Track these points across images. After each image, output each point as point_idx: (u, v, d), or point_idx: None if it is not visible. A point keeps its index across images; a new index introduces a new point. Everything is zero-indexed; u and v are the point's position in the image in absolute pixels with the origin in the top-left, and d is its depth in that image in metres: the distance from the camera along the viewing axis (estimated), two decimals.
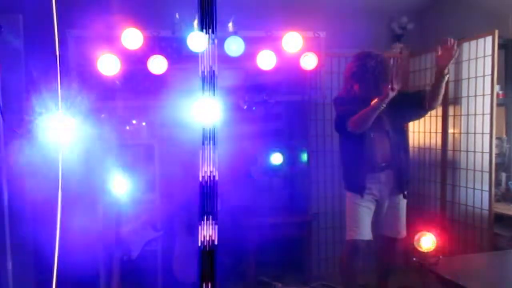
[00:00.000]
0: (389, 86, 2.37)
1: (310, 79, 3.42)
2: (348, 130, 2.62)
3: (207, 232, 1.50)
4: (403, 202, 2.78)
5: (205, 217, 1.51)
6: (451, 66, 3.15)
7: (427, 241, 2.10)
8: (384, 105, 2.45)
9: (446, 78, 2.56)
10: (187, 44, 2.89)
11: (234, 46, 2.96)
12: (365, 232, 2.65)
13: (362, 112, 2.53)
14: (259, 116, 3.59)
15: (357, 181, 2.68)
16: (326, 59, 3.40)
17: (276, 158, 3.53)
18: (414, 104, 2.69)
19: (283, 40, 3.08)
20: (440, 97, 2.63)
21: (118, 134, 3.18)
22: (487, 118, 2.85)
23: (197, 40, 2.88)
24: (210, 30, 1.58)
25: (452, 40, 2.51)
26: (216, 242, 1.52)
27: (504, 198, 3.05)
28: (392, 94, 2.39)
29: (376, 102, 2.45)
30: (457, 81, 3.14)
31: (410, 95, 2.74)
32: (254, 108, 3.31)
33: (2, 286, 2.02)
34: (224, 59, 3.07)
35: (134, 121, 3.20)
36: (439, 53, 2.54)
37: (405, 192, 2.75)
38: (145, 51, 3.00)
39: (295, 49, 3.09)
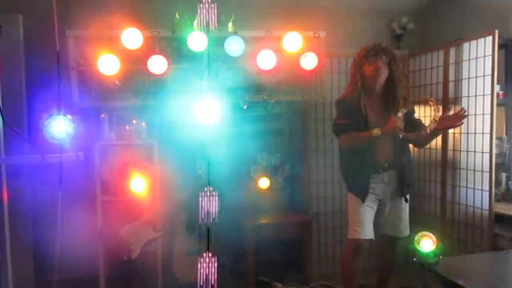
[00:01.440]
0: (398, 124, 2.46)
1: (310, 79, 3.42)
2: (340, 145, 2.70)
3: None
4: (405, 205, 2.77)
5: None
6: (451, 66, 3.17)
7: (427, 242, 2.10)
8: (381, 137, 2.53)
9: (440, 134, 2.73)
10: (187, 44, 2.89)
11: (234, 46, 2.96)
12: (368, 232, 2.64)
13: (357, 137, 2.58)
14: (259, 116, 3.60)
15: (360, 184, 2.68)
16: (326, 59, 3.40)
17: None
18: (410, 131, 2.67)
19: (283, 40, 3.08)
20: (427, 145, 2.88)
21: (118, 134, 3.18)
22: (487, 118, 2.85)
23: (197, 40, 2.89)
24: (210, 30, 1.58)
25: (464, 110, 2.56)
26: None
27: (504, 198, 3.05)
28: (394, 131, 2.48)
29: (375, 133, 2.50)
30: (457, 81, 3.14)
31: (412, 122, 2.71)
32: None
33: (2, 286, 2.02)
34: (224, 59, 3.08)
35: (134, 121, 3.20)
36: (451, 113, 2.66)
37: (407, 196, 2.75)
38: (145, 51, 3.00)
39: (295, 49, 3.09)
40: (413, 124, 2.68)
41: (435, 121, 2.55)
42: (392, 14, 3.96)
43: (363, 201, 2.64)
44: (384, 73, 2.58)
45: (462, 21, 3.60)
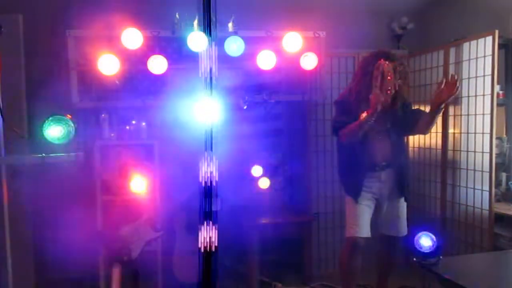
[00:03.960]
0: (378, 98, 2.39)
1: (310, 79, 3.42)
2: (340, 141, 2.69)
3: (208, 234, 1.50)
4: (403, 205, 2.77)
5: (205, 220, 1.51)
6: (451, 66, 3.16)
7: (427, 241, 2.10)
8: (373, 120, 2.47)
9: (441, 111, 2.55)
10: (187, 44, 2.89)
11: (234, 46, 2.96)
12: (365, 230, 2.65)
13: (351, 126, 2.57)
14: (259, 116, 3.60)
15: (353, 183, 2.69)
16: (326, 59, 3.40)
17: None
18: (410, 122, 2.68)
19: (283, 40, 3.08)
20: (431, 127, 2.64)
21: (118, 134, 3.18)
22: (487, 118, 2.85)
23: (197, 40, 2.89)
24: (210, 30, 1.58)
25: (456, 76, 2.47)
26: (216, 244, 1.52)
27: (504, 198, 3.05)
28: (379, 108, 2.41)
29: (365, 117, 2.47)
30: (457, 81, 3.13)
31: (410, 113, 2.72)
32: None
33: (2, 286, 2.02)
34: (224, 59, 3.07)
35: (134, 121, 3.20)
36: (442, 86, 2.48)
37: (406, 196, 2.75)
38: (145, 51, 3.00)
39: (295, 49, 3.09)
40: (412, 115, 2.68)
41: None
42: (392, 14, 3.96)
43: (356, 200, 2.65)
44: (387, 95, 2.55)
45: (462, 21, 3.59)
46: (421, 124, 2.65)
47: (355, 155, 2.66)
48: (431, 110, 2.57)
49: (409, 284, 3.16)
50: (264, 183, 3.51)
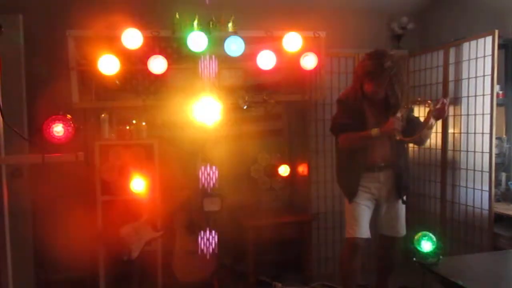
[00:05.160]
0: (397, 125, 2.45)
1: (310, 79, 3.42)
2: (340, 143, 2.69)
3: None
4: (402, 206, 2.77)
5: None
6: (451, 66, 3.17)
7: (427, 242, 2.10)
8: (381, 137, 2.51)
9: (432, 127, 2.61)
10: (187, 44, 2.89)
11: (234, 46, 2.96)
12: (364, 231, 2.65)
13: (357, 136, 2.57)
14: (259, 116, 3.60)
15: (349, 184, 2.69)
16: (326, 59, 3.40)
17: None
18: (411, 131, 2.64)
19: (283, 40, 3.08)
20: (426, 141, 2.71)
21: (118, 134, 3.18)
22: (487, 118, 2.85)
23: (197, 40, 2.89)
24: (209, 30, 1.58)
25: (444, 100, 2.53)
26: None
27: (504, 198, 3.05)
28: (395, 133, 2.49)
29: (374, 133, 2.50)
30: (457, 81, 3.14)
31: (413, 121, 2.69)
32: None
33: (2, 286, 2.02)
34: (224, 59, 3.08)
35: (134, 121, 3.20)
36: (437, 106, 2.52)
37: (404, 198, 2.75)
38: (145, 51, 3.00)
39: (295, 49, 3.09)
40: (411, 122, 2.67)
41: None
42: (392, 14, 3.96)
43: (352, 200, 2.65)
44: (381, 94, 2.57)
45: (462, 21, 3.59)
46: (419, 140, 2.68)
47: (353, 155, 2.65)
48: (424, 123, 2.58)
49: (409, 284, 3.16)
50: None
